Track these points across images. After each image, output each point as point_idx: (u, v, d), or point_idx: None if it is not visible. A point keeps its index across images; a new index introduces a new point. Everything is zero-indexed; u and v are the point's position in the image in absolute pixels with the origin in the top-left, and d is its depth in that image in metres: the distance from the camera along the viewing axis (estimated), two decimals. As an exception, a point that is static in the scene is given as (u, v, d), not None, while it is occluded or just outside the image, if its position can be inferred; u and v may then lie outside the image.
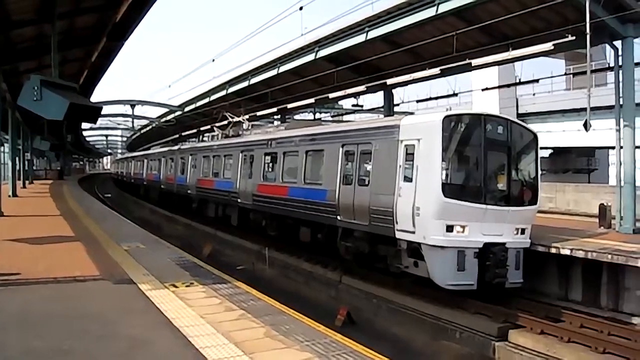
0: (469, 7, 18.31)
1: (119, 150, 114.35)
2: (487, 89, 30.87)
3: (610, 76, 21.04)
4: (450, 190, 12.14)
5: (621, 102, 17.38)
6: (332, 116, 52.88)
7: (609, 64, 22.55)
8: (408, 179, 12.77)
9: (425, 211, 12.17)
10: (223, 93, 39.76)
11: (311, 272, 17.12)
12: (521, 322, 11.46)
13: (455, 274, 11.96)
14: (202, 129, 55.02)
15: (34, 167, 59.85)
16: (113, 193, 58.70)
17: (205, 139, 51.30)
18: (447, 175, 12.45)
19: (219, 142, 28.00)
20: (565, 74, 34.56)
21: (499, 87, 34.38)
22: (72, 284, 9.75)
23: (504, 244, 12.49)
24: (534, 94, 47.00)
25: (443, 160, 12.26)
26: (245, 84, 35.62)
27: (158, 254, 13.30)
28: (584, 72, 20.25)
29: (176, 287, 9.65)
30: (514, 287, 12.78)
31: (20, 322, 7.48)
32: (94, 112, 12.60)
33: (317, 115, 49.33)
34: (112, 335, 6.99)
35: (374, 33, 22.32)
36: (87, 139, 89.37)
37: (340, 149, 15.78)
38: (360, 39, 23.12)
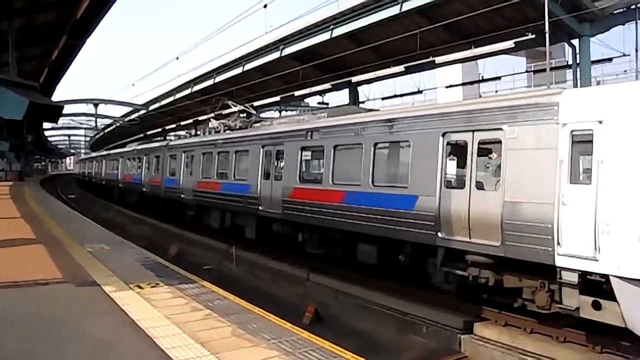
0: (431, 6, 18.54)
1: (83, 151, 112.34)
2: (451, 86, 31.31)
3: (570, 73, 21.52)
4: None
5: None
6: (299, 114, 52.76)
7: (567, 61, 23.09)
8: (581, 180, 9.28)
9: (621, 228, 8.41)
10: (188, 91, 39.55)
11: (279, 270, 17.07)
12: (486, 315, 11.64)
13: None
14: (167, 127, 54.47)
15: (-7, 168, 58.40)
16: (77, 194, 57.60)
17: (199, 133, 46.75)
18: None
19: (225, 135, 22.68)
20: (526, 71, 35.15)
21: (463, 84, 34.85)
22: (34, 288, 9.53)
23: None
24: (496, 92, 47.66)
25: None
26: (210, 82, 35.49)
27: (123, 255, 13.12)
28: (544, 70, 20.71)
29: (141, 288, 9.55)
30: None
31: (-21, 326, 7.30)
32: (55, 112, 12.42)
33: (283, 114, 49.27)
34: (75, 337, 6.88)
35: (339, 31, 22.47)
36: (49, 139, 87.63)
37: (441, 139, 11.40)
38: (325, 36, 23.24)
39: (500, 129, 10.23)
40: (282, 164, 17.25)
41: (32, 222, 19.59)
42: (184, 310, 8.22)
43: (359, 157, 13.76)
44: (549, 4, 15.83)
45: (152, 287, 9.70)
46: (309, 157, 17.03)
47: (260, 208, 17.82)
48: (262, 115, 52.09)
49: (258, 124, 21.23)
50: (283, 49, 26.68)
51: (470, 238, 10.58)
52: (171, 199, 26.80)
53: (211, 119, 27.05)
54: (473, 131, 10.84)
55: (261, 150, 18.19)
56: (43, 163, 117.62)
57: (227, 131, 23.46)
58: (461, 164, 11.30)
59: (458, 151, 11.47)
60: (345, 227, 13.90)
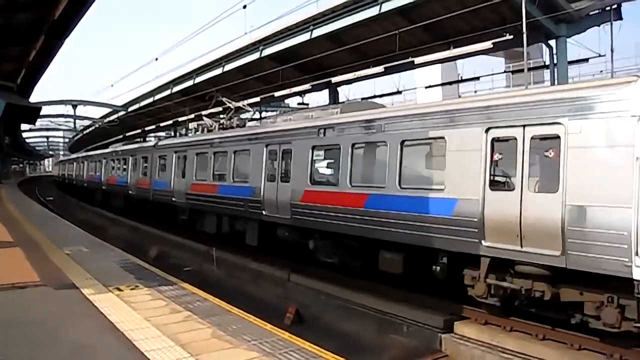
0: (411, 7, 18.66)
1: (61, 152, 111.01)
2: (430, 86, 31.51)
3: (547, 73, 21.80)
4: None
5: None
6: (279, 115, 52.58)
7: (545, 62, 23.37)
8: None
9: None
10: (168, 92, 39.30)
11: (259, 271, 17.05)
12: (466, 314, 11.73)
13: None
14: (147, 128, 54.09)
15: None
16: (55, 196, 56.91)
17: (188, 133, 42.95)
18: None
19: (222, 134, 20.75)
20: (505, 71, 35.50)
21: (442, 84, 35.05)
22: (11, 291, 9.42)
23: None
24: (475, 92, 48.05)
25: None
26: (190, 82, 35.35)
27: (102, 257, 13.04)
28: (522, 70, 20.92)
29: (120, 290, 9.49)
30: None
31: (-46, 331, 7.20)
32: (32, 113, 12.31)
33: (263, 114, 49.18)
34: (53, 341, 6.82)
35: (318, 31, 22.50)
36: (27, 140, 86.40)
37: (485, 136, 10.26)
38: (305, 37, 23.26)
39: (559, 123, 9.12)
40: (290, 165, 15.68)
41: (10, 224, 19.34)
42: (164, 312, 8.19)
43: (382, 156, 12.58)
44: (526, 5, 16.03)
45: (131, 289, 9.66)
46: (322, 157, 15.36)
47: (264, 212, 16.43)
48: (243, 116, 52.20)
49: (252, 122, 20.45)
50: (263, 49, 26.66)
51: (521, 246, 9.46)
52: (161, 203, 25.16)
53: (203, 117, 25.50)
54: (524, 126, 9.72)
55: (265, 149, 16.71)
56: (21, 165, 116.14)
57: (221, 130, 21.84)
58: (510, 163, 9.99)
59: (505, 149, 10.16)
60: (367, 233, 12.61)
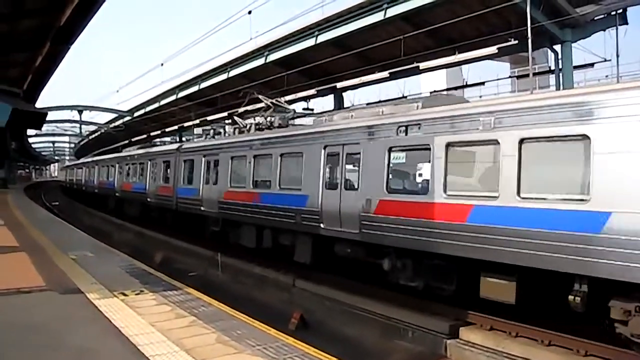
0: (415, 12, 18.69)
1: (67, 157, 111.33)
2: (435, 91, 31.44)
3: (553, 78, 21.77)
4: None
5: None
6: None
7: (550, 67, 23.34)
8: None
9: None
10: (173, 98, 39.45)
11: (264, 276, 17.03)
12: (471, 319, 11.68)
13: None
14: (152, 134, 54.24)
15: (-24, 176, 57.76)
16: (61, 201, 57.10)
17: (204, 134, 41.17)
18: None
19: (265, 134, 18.14)
20: (510, 76, 35.43)
21: (447, 89, 35.02)
22: (16, 296, 9.45)
23: None
24: (480, 97, 48.03)
25: None
26: (195, 88, 35.49)
27: (107, 262, 13.06)
28: (527, 75, 20.89)
29: (126, 295, 9.50)
30: None
31: (-41, 335, 7.21)
32: (38, 118, 12.37)
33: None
34: (58, 345, 6.82)
35: (323, 37, 22.57)
36: (33, 145, 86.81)
37: None
38: (310, 42, 23.34)
39: None
40: (359, 170, 13.23)
41: (16, 229, 19.40)
42: (169, 317, 8.19)
43: (491, 157, 10.54)
44: (531, 10, 16.03)
45: (136, 294, 9.66)
46: (402, 160, 12.86)
47: (322, 225, 14.02)
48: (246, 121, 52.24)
49: (324, 116, 16.78)
50: (268, 55, 26.77)
51: None
52: (187, 212, 22.65)
53: (235, 117, 23.19)
54: None
55: (322, 152, 14.27)
56: (27, 170, 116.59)
57: (260, 131, 19.42)
58: None
59: None
60: (469, 252, 10.34)
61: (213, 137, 24.39)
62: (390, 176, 12.50)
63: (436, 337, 11.31)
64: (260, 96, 21.55)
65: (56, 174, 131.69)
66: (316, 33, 23.11)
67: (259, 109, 21.86)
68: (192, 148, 23.56)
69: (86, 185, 46.75)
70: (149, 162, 28.09)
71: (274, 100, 21.19)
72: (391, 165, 12.43)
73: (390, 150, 12.34)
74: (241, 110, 25.30)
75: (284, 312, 13.71)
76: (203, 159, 21.24)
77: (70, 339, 7.06)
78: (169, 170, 25.24)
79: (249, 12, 26.17)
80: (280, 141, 16.66)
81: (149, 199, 27.47)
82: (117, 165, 35.31)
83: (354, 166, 13.56)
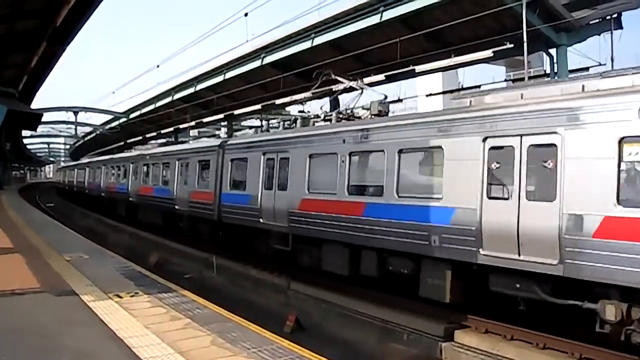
0: (412, 15, 18.73)
1: (62, 159, 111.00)
2: (431, 94, 31.55)
3: (548, 82, 21.85)
4: None
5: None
6: (279, 122, 52.19)
7: (545, 70, 23.43)
8: None
9: None
10: (169, 99, 39.40)
11: (259, 278, 17.02)
12: (466, 322, 11.70)
13: None
14: (148, 135, 54.18)
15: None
16: (56, 202, 56.93)
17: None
18: None
19: (364, 125, 13.53)
20: (505, 80, 35.53)
21: (443, 92, 35.09)
22: (10, 298, 9.41)
23: None
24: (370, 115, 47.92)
25: None
26: (191, 90, 35.48)
27: (102, 264, 13.03)
28: (523, 79, 20.96)
29: (120, 297, 9.48)
30: None
31: (-47, 338, 7.18)
32: (34, 119, 12.32)
33: (264, 122, 49.18)
34: (52, 348, 6.80)
35: (320, 39, 22.61)
36: (28, 146, 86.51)
37: None
38: (306, 45, 23.37)
39: None
40: (556, 174, 9.09)
41: (10, 231, 19.33)
42: (164, 319, 8.18)
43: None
44: (526, 14, 16.11)
45: (131, 296, 9.64)
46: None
47: (481, 252, 10.06)
48: (243, 123, 52.26)
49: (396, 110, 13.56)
50: (264, 57, 26.78)
51: None
52: (235, 225, 18.21)
53: (302, 102, 19.18)
54: None
55: (483, 147, 10.19)
56: (22, 171, 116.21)
57: (346, 121, 15.55)
58: None
59: None
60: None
61: (267, 130, 21.11)
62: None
63: (431, 340, 11.33)
64: (339, 77, 17.68)
65: (51, 175, 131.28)
66: (313, 35, 23.14)
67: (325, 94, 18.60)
68: (244, 144, 19.19)
69: (88, 189, 42.31)
70: (177, 162, 23.47)
71: (358, 83, 17.25)
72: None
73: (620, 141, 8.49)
74: (308, 94, 20.78)
75: (280, 315, 13.70)
76: (262, 157, 16.74)
77: (65, 342, 7.03)
78: (207, 171, 20.87)
79: (246, 15, 26.21)
80: (397, 131, 12.23)
81: (177, 207, 22.90)
82: (130, 166, 30.73)
83: (542, 168, 9.43)
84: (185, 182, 22.43)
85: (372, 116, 14.75)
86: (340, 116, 15.79)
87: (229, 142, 20.20)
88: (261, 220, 16.39)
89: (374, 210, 12.41)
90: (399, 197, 11.85)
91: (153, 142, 55.59)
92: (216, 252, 19.38)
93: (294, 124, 17.88)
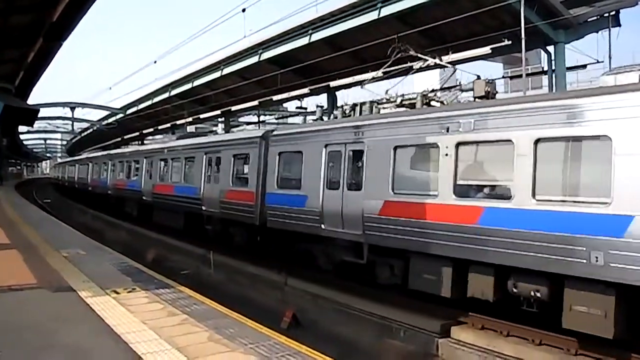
0: (409, 11, 18.72)
1: (59, 154, 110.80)
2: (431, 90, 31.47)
3: (546, 79, 21.88)
4: None
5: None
6: (277, 118, 52.02)
7: (543, 67, 23.47)
8: None
9: None
10: (166, 95, 39.33)
11: (256, 274, 17.01)
12: (463, 319, 11.72)
13: None
14: (145, 131, 54.11)
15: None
16: (53, 198, 56.80)
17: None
18: None
19: (476, 107, 10.93)
20: (503, 77, 35.56)
21: (441, 89, 35.00)
22: (7, 294, 9.41)
23: None
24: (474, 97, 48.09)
25: None
26: (188, 86, 35.43)
27: (99, 260, 13.02)
28: (520, 76, 20.98)
29: (118, 293, 9.48)
30: None
31: (-51, 334, 7.17)
32: (30, 115, 12.28)
33: (262, 118, 49.12)
34: (50, 344, 6.80)
35: (317, 36, 22.59)
36: (25, 142, 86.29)
37: None
38: (303, 41, 23.35)
39: None
40: None
41: (7, 227, 19.30)
42: (161, 315, 8.18)
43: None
44: (524, 11, 16.11)
45: (128, 292, 9.65)
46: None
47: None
48: (241, 119, 52.17)
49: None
50: (261, 53, 26.76)
51: None
52: (285, 230, 15.41)
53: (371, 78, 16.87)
54: None
55: None
56: (18, 167, 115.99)
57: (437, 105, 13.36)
58: None
59: None
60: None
61: (321, 118, 17.83)
62: None
63: (428, 336, 11.35)
64: (418, 54, 15.76)
65: (48, 171, 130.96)
66: (310, 32, 23.12)
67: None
68: (296, 134, 16.12)
69: (92, 186, 39.20)
70: (205, 157, 20.43)
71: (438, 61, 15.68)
72: None
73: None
74: (380, 72, 17.52)
75: (277, 311, 13.72)
76: (324, 149, 14.07)
77: (63, 337, 7.04)
78: (245, 167, 18.26)
79: (243, 10, 26.17)
80: (532, 115, 9.43)
81: (204, 208, 20.14)
82: (144, 161, 27.46)
83: None
84: (216, 179, 19.64)
85: (476, 99, 12.38)
86: (427, 100, 13.35)
87: (274, 133, 17.19)
88: (323, 226, 13.81)
89: (497, 217, 9.78)
90: (537, 201, 9.17)
91: (165, 135, 52.19)
92: (213, 248, 19.35)
93: (352, 112, 15.10)
